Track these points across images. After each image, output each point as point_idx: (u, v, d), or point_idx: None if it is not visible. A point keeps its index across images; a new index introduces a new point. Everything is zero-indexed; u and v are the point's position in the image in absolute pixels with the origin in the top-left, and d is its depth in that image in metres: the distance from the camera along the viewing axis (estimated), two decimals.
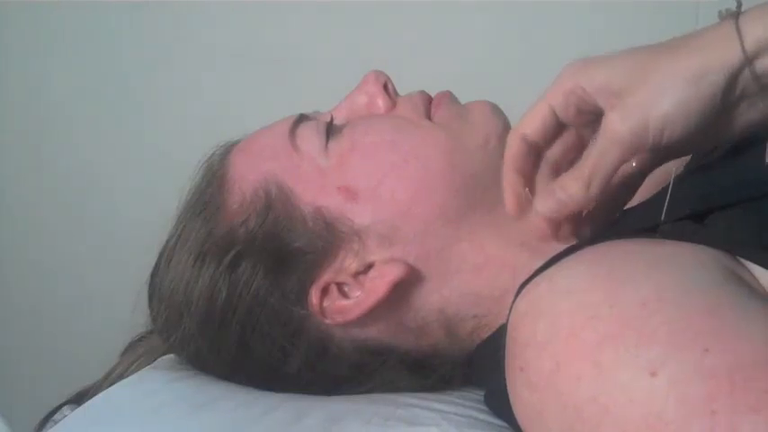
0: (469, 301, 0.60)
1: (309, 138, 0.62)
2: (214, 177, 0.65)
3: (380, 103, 0.66)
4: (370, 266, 0.60)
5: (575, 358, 0.42)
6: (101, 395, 0.67)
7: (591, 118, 0.53)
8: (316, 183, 0.61)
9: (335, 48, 1.30)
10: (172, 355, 0.69)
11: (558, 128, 0.55)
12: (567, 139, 0.56)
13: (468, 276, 0.60)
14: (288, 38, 1.33)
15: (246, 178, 0.63)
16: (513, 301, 0.49)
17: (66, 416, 0.67)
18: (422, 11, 1.22)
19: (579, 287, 0.45)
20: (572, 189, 0.52)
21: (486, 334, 0.60)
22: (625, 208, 0.59)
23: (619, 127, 0.49)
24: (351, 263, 0.60)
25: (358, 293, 0.59)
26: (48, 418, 0.70)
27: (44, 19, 1.40)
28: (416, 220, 0.60)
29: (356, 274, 0.60)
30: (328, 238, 0.60)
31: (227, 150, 0.67)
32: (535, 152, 0.56)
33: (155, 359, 0.70)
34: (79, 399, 0.70)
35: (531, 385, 0.44)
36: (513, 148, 0.55)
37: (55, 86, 1.42)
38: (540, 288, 0.47)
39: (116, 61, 1.40)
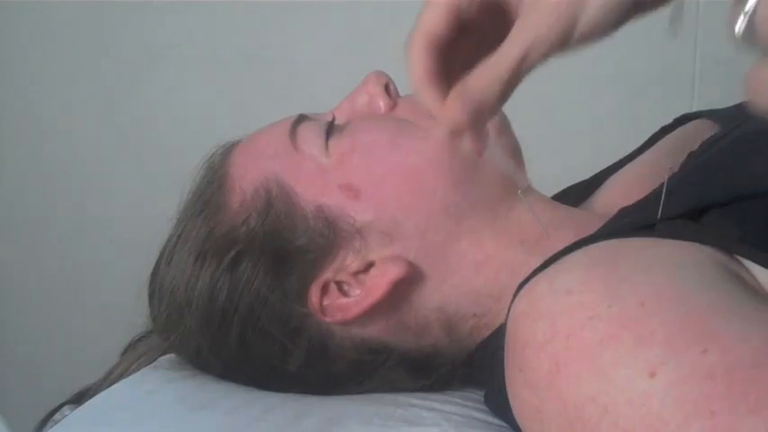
0: (469, 300, 0.61)
1: (309, 137, 0.63)
2: (215, 177, 0.65)
3: (381, 103, 0.66)
4: (370, 265, 0.60)
5: (574, 358, 0.42)
6: (101, 395, 0.67)
7: (492, 17, 0.44)
8: (316, 181, 0.61)
9: (335, 48, 1.30)
10: (172, 355, 0.69)
11: (459, 30, 0.44)
12: (468, 45, 0.45)
13: (468, 274, 0.60)
14: (288, 38, 1.33)
15: (247, 177, 0.63)
16: (512, 301, 0.49)
17: (66, 416, 0.67)
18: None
19: (578, 287, 0.45)
20: (489, 90, 0.41)
21: (486, 333, 0.60)
22: (622, 207, 0.59)
23: (547, 23, 0.40)
24: (351, 261, 0.60)
25: (358, 292, 0.60)
26: (48, 418, 0.70)
27: (44, 19, 1.40)
28: (417, 216, 0.60)
29: (356, 273, 0.60)
30: (329, 236, 0.60)
31: (227, 150, 0.67)
32: (443, 58, 0.44)
33: (155, 359, 0.70)
34: (79, 399, 0.70)
35: (531, 385, 0.44)
36: (423, 53, 0.43)
37: (55, 86, 1.42)
38: (540, 288, 0.47)
39: (116, 61, 1.40)
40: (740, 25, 0.31)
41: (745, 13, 0.30)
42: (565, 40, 0.40)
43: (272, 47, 1.34)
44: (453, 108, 0.42)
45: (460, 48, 0.44)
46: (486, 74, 0.41)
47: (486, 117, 0.42)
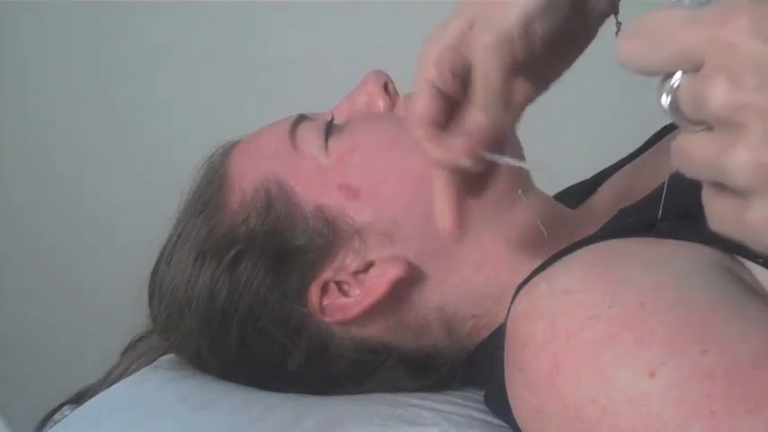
0: (469, 300, 0.61)
1: (309, 137, 0.63)
2: (215, 177, 0.65)
3: (381, 103, 0.66)
4: (370, 265, 0.60)
5: (574, 358, 0.42)
6: (101, 395, 0.67)
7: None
8: (316, 181, 0.61)
9: (335, 48, 1.30)
10: (172, 355, 0.69)
11: (447, 106, 0.49)
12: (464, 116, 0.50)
13: (468, 274, 0.60)
14: (288, 38, 1.33)
15: (247, 177, 0.63)
16: (512, 301, 0.49)
17: (66, 416, 0.67)
18: (422, 11, 1.22)
19: (578, 287, 0.45)
20: (474, 119, 0.48)
21: (485, 333, 0.60)
22: (623, 207, 0.59)
23: (485, 38, 0.46)
24: (351, 261, 0.60)
25: (358, 292, 0.60)
26: (48, 418, 0.70)
27: (44, 19, 1.40)
28: (417, 216, 0.60)
29: (356, 273, 0.60)
30: (329, 236, 0.60)
31: (227, 150, 0.67)
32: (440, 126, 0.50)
33: (155, 359, 0.70)
34: (79, 399, 0.70)
35: (530, 385, 0.44)
36: (422, 132, 0.49)
37: (54, 86, 1.42)
38: (539, 288, 0.47)
39: (115, 61, 1.40)
40: (666, 99, 0.33)
41: (670, 89, 0.33)
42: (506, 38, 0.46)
43: (272, 47, 1.34)
44: (455, 143, 0.48)
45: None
46: (466, 112, 0.48)
47: (484, 141, 0.48)
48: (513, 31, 0.45)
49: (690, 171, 0.33)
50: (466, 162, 0.48)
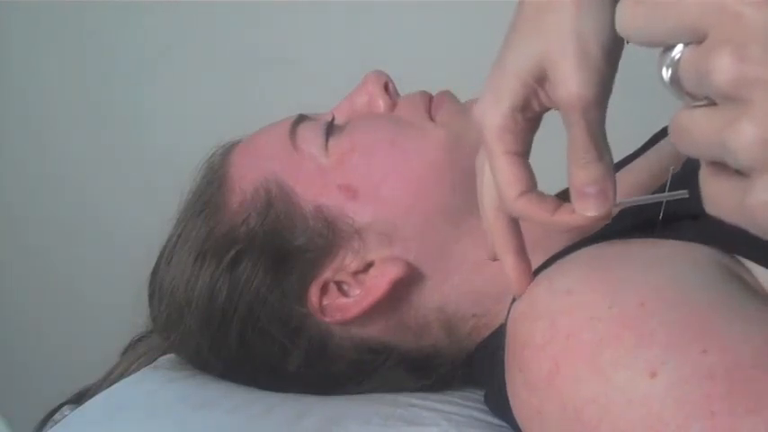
0: (469, 300, 0.61)
1: (309, 137, 0.63)
2: (215, 177, 0.65)
3: (381, 102, 0.66)
4: (369, 265, 0.60)
5: (574, 359, 0.42)
6: (101, 395, 0.67)
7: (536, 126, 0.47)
8: (316, 181, 0.61)
9: (335, 48, 1.30)
10: (172, 355, 0.69)
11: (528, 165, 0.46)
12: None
13: (468, 274, 0.60)
14: (288, 38, 1.33)
15: (247, 177, 0.63)
16: (512, 301, 0.49)
17: (66, 416, 0.67)
18: (422, 11, 1.22)
19: (578, 287, 0.45)
20: (596, 172, 0.42)
21: (485, 333, 0.60)
22: (623, 207, 0.59)
23: (575, 89, 0.40)
24: (351, 261, 0.60)
25: (357, 292, 0.60)
26: (48, 418, 0.70)
27: (44, 19, 1.40)
28: (417, 217, 0.60)
29: (356, 273, 0.60)
30: (328, 236, 0.60)
31: (227, 150, 0.67)
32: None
33: (155, 359, 0.70)
34: (79, 399, 0.70)
35: (530, 386, 0.44)
36: (537, 208, 0.45)
37: (54, 86, 1.42)
38: (540, 288, 0.47)
39: (115, 61, 1.40)
40: (666, 73, 0.32)
41: (671, 61, 0.31)
42: (585, 55, 0.41)
43: (272, 47, 1.34)
44: (584, 211, 0.43)
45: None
46: (583, 166, 0.43)
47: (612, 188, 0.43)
48: (601, 71, 0.40)
49: (689, 149, 0.31)
50: (608, 218, 0.43)
